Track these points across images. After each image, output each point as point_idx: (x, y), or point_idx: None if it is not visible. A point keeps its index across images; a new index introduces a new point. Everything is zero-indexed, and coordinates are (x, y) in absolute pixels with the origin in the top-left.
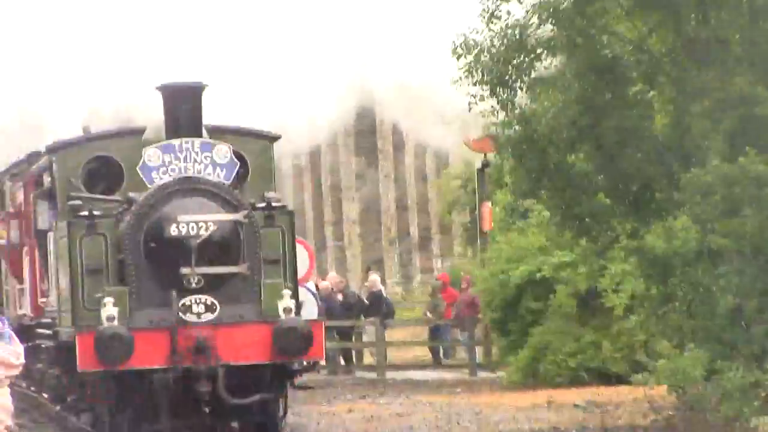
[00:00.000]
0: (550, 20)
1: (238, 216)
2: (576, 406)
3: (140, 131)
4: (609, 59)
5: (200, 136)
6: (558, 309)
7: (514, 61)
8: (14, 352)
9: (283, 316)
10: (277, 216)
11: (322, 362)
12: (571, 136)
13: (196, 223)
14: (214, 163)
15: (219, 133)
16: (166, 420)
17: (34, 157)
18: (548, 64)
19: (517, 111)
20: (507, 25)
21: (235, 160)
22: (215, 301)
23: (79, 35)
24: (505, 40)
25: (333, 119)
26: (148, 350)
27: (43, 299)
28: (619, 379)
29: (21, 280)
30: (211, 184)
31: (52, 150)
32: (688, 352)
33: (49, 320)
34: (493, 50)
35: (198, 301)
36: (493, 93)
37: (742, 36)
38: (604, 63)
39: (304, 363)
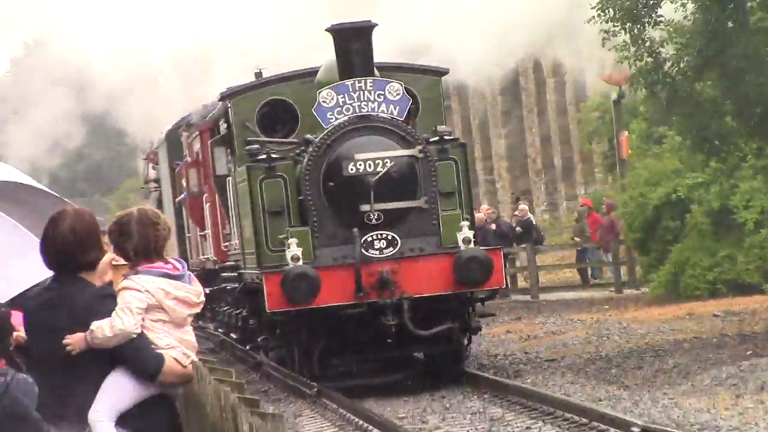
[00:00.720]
0: None
1: (413, 151)
2: (715, 316)
3: (312, 73)
4: None
5: (372, 74)
6: (694, 227)
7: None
8: (195, 291)
9: (462, 246)
10: (450, 149)
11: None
12: (698, 64)
13: (373, 160)
14: (387, 100)
15: (389, 70)
16: (355, 354)
17: (209, 107)
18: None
19: (647, 44)
20: None
21: (407, 96)
22: (396, 236)
23: None
24: None
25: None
26: (335, 288)
27: (226, 243)
28: (754, 289)
29: (203, 227)
30: (385, 121)
31: (226, 96)
32: None
33: (232, 263)
34: None
35: (379, 236)
36: (623, 28)
37: None
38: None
39: (488, 292)
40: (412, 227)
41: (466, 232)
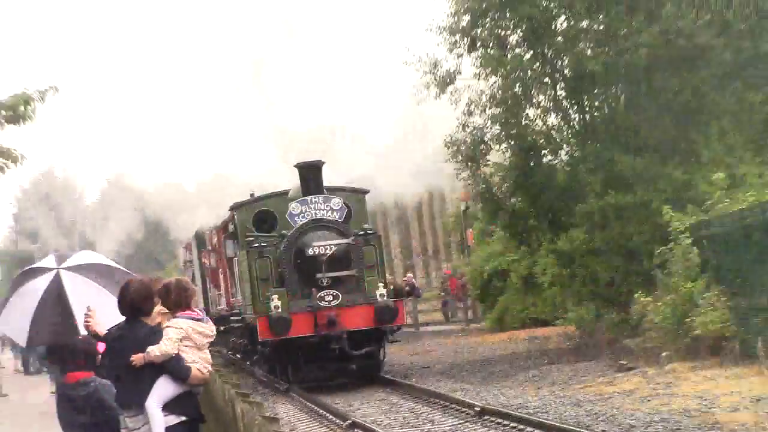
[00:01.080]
0: (497, 124)
1: (348, 240)
2: (525, 339)
3: (284, 193)
4: (530, 142)
5: (322, 193)
6: (512, 286)
7: (479, 148)
8: (210, 328)
9: (379, 299)
10: (371, 238)
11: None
12: (512, 189)
13: (324, 246)
14: (331, 209)
15: (333, 190)
16: (314, 367)
17: (218, 220)
18: (497, 149)
19: (481, 176)
20: (473, 129)
21: (345, 205)
22: (338, 293)
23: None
24: (472, 137)
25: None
26: (301, 325)
27: (233, 299)
28: (548, 324)
29: (218, 289)
30: (331, 222)
31: (234, 208)
32: (584, 305)
33: (237, 311)
34: (467, 142)
35: (328, 293)
36: (467, 166)
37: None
38: (528, 144)
39: (395, 327)
40: (348, 287)
41: (381, 290)
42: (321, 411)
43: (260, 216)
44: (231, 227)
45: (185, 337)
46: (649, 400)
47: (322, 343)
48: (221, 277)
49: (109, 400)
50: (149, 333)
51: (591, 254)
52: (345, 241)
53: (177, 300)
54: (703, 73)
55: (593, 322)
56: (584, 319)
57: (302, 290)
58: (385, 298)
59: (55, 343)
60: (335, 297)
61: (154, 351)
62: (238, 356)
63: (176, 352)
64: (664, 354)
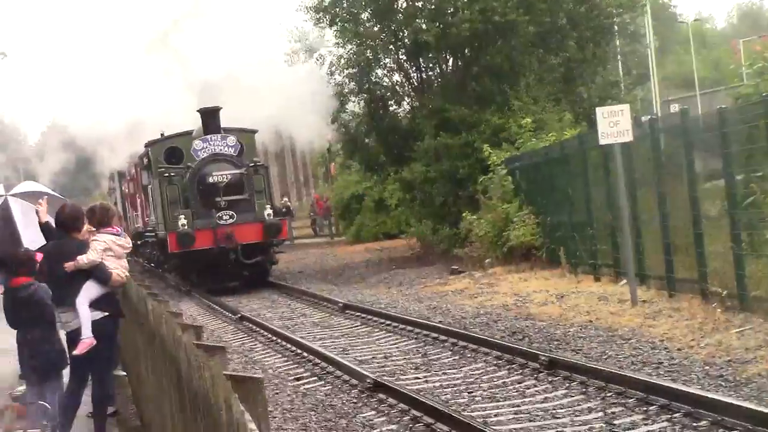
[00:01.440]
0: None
1: (242, 170)
2: (377, 249)
3: (189, 133)
4: (379, 95)
5: (219, 132)
6: (367, 207)
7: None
8: (126, 241)
9: (267, 218)
10: (260, 169)
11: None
12: (365, 132)
13: (222, 175)
14: (227, 145)
15: (229, 131)
16: (214, 273)
17: (135, 155)
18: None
19: (342, 122)
20: (335, 85)
21: (238, 143)
22: (234, 213)
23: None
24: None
25: None
26: (203, 239)
27: (147, 218)
28: (396, 237)
29: (136, 211)
30: (227, 156)
31: (148, 145)
32: (423, 222)
33: (151, 228)
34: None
35: (225, 213)
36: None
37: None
38: (377, 97)
39: (280, 240)
40: (242, 209)
41: (268, 211)
42: (217, 308)
43: (169, 151)
44: (146, 161)
45: (107, 249)
46: (476, 297)
47: (221, 254)
48: (138, 201)
49: (46, 299)
50: (79, 245)
51: (428, 182)
52: (239, 171)
53: (100, 219)
54: (513, 41)
55: (431, 236)
56: (424, 233)
57: (204, 211)
58: (272, 217)
59: (3, 254)
60: (231, 216)
61: (83, 259)
62: (152, 265)
63: (100, 260)
64: (486, 260)
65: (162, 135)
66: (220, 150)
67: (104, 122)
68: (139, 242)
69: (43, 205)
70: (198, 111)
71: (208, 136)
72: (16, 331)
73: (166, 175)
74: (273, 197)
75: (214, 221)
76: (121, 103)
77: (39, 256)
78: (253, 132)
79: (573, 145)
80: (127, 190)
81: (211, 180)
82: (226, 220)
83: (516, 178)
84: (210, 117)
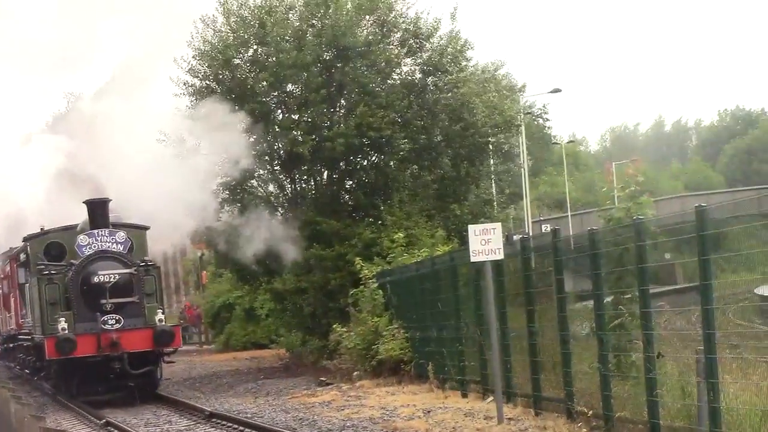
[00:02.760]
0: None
1: (131, 270)
2: (246, 359)
3: (72, 227)
4: (253, 204)
5: (108, 227)
6: (237, 316)
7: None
8: None
9: (158, 323)
10: (151, 269)
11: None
12: (239, 242)
13: (109, 274)
14: (116, 241)
15: (118, 226)
16: (96, 382)
17: (11, 250)
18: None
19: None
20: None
21: (129, 239)
22: (121, 317)
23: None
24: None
25: None
26: (85, 345)
27: (22, 320)
28: (264, 347)
29: (9, 311)
30: (115, 253)
31: (27, 239)
32: (293, 333)
33: (26, 331)
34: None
35: (111, 317)
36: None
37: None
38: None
39: (171, 349)
40: (130, 312)
41: (160, 316)
42: (84, 413)
43: (50, 247)
44: (23, 256)
45: None
46: (343, 409)
47: (105, 363)
48: (12, 300)
49: None
50: None
51: (299, 293)
52: (128, 270)
53: None
54: (387, 157)
55: (300, 347)
56: (293, 343)
57: (87, 314)
58: (164, 323)
59: None
60: (118, 321)
61: None
62: (27, 371)
63: None
64: (355, 373)
65: (42, 229)
66: (108, 246)
67: None
68: (11, 345)
69: None
70: (85, 203)
71: (95, 231)
72: None
73: (46, 272)
74: (164, 301)
75: (98, 326)
76: None
77: None
78: (145, 229)
79: (444, 261)
80: None
81: (96, 279)
82: (111, 324)
83: (387, 292)
84: (98, 209)
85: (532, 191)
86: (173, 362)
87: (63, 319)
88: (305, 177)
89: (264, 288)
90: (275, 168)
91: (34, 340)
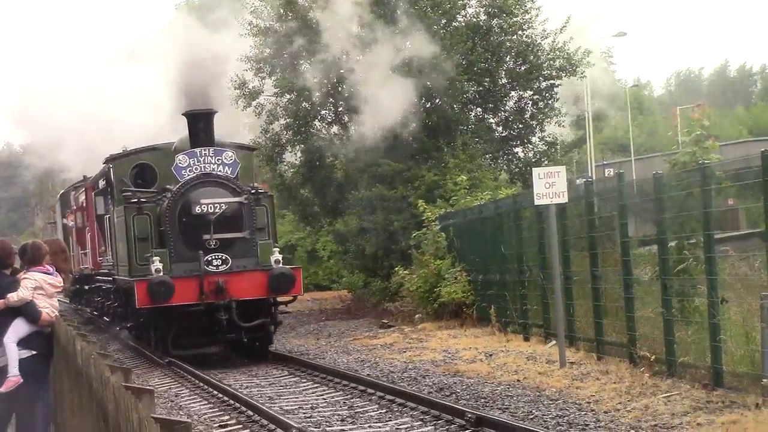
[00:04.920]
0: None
1: (240, 199)
2: (308, 300)
3: (168, 146)
4: (316, 146)
5: (212, 146)
6: (299, 257)
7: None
8: (58, 281)
9: (274, 265)
10: (262, 198)
11: None
12: (300, 182)
13: (213, 204)
14: (223, 163)
15: (221, 145)
16: (197, 340)
17: (83, 180)
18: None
19: (278, 171)
20: (272, 134)
21: (237, 160)
22: (228, 257)
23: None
24: (271, 141)
25: None
26: (184, 292)
27: (100, 258)
28: (327, 288)
29: (84, 247)
30: (221, 177)
31: (109, 160)
32: (355, 275)
33: (105, 271)
34: (268, 145)
35: (216, 257)
36: (266, 163)
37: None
38: (314, 148)
39: (289, 297)
40: (239, 251)
41: (276, 256)
42: (147, 352)
43: (138, 170)
44: (102, 183)
45: (38, 287)
46: (405, 351)
47: (208, 313)
48: (88, 236)
49: None
50: (9, 283)
51: (361, 234)
52: (237, 199)
53: (32, 258)
54: (451, 99)
55: (362, 289)
56: (355, 285)
57: (187, 253)
58: (281, 265)
59: None
60: (224, 261)
61: (13, 297)
62: (105, 319)
63: (30, 298)
64: (417, 316)
65: (124, 149)
66: (213, 169)
67: (60, 136)
68: (86, 287)
69: None
70: (185, 114)
71: (197, 150)
72: None
73: (134, 201)
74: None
75: (200, 267)
76: (82, 111)
77: None
78: (252, 150)
79: (507, 204)
80: (72, 223)
81: (198, 210)
82: (217, 266)
83: (450, 235)
84: (201, 123)
85: (596, 135)
86: (289, 312)
87: (157, 258)
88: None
89: (326, 229)
90: (338, 109)
91: (118, 282)
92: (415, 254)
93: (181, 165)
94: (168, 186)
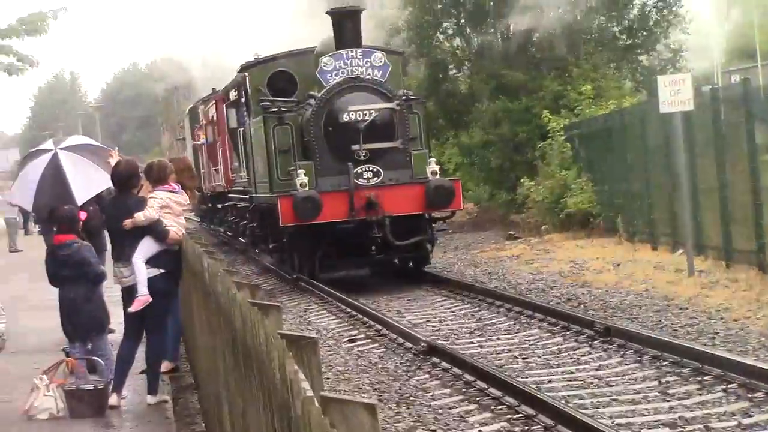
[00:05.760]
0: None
1: (392, 105)
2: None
3: (308, 51)
4: (439, 59)
5: (360, 46)
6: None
7: None
8: (185, 199)
9: (431, 177)
10: (414, 105)
11: None
12: (424, 95)
13: (362, 111)
14: (372, 66)
15: (367, 48)
16: (346, 261)
17: (212, 93)
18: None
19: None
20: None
21: (388, 63)
22: (379, 169)
23: None
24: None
25: None
26: (333, 208)
27: (233, 175)
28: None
29: (215, 164)
30: (371, 82)
31: (245, 68)
32: (481, 187)
33: (240, 188)
34: None
35: (367, 169)
36: None
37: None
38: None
39: (448, 212)
40: (391, 162)
41: (433, 167)
42: (274, 269)
43: (276, 78)
44: (234, 94)
45: (164, 206)
46: (532, 263)
47: (359, 231)
48: (219, 152)
49: (89, 257)
50: (136, 202)
51: (486, 147)
52: (388, 105)
53: (158, 177)
54: (575, 10)
55: (488, 201)
56: (481, 198)
57: (334, 165)
58: (438, 177)
59: (47, 211)
60: (376, 174)
61: (140, 216)
62: (241, 240)
63: (158, 217)
64: (543, 227)
65: (256, 57)
66: (361, 72)
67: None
68: (218, 206)
69: (115, 156)
70: (329, 13)
71: (344, 52)
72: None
73: (274, 110)
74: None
75: (349, 181)
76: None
77: (83, 215)
78: (400, 54)
79: (633, 113)
80: (202, 139)
81: (346, 117)
82: (368, 179)
83: (575, 145)
84: (348, 22)
85: (722, 41)
86: (448, 230)
87: (302, 171)
88: (491, 30)
89: (451, 142)
90: (461, 22)
91: (258, 200)
92: (540, 165)
93: (325, 68)
94: (311, 92)
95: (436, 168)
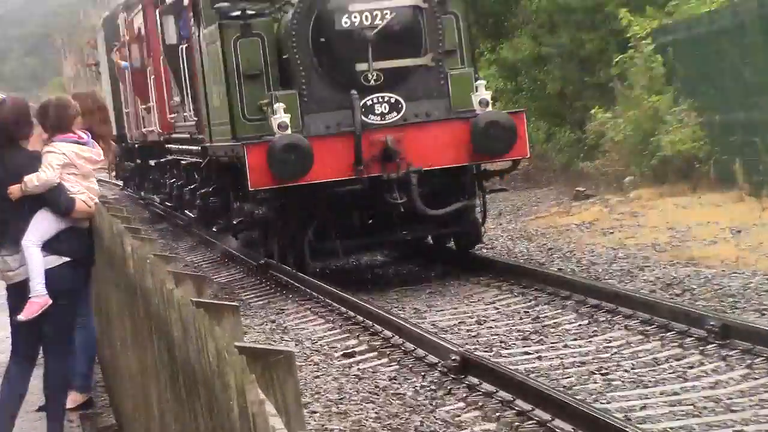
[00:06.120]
0: None
1: (416, 1)
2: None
3: None
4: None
5: None
6: None
7: None
8: (97, 152)
9: (479, 109)
10: (449, 3)
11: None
12: None
13: (371, 11)
14: None
15: None
16: (353, 238)
17: None
18: None
19: None
20: None
21: None
22: (400, 99)
23: None
24: None
25: None
26: (330, 161)
27: (173, 115)
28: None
29: (145, 100)
30: None
31: None
32: (533, 124)
33: (184, 135)
34: None
35: (380, 100)
36: None
37: None
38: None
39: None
40: (417, 89)
41: (483, 93)
42: (237, 254)
43: None
44: None
45: (68, 164)
46: (611, 232)
47: (371, 195)
48: (151, 80)
49: None
50: (26, 160)
51: (538, 64)
52: (409, 2)
53: (57, 122)
54: None
55: (544, 143)
56: (533, 139)
57: (331, 95)
58: (489, 109)
59: None
60: (394, 107)
61: (32, 180)
62: (189, 214)
63: (57, 180)
64: (627, 179)
65: None
66: None
67: None
68: (152, 163)
69: None
70: None
71: None
72: None
73: (236, 15)
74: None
75: (356, 118)
76: None
77: None
78: None
79: (751, 8)
80: (124, 63)
81: (346, 22)
82: (382, 114)
83: (669, 58)
84: None
85: None
86: (505, 189)
87: (282, 105)
88: None
89: (487, 59)
90: None
91: (212, 150)
92: (619, 88)
93: None
94: None
95: (487, 96)
